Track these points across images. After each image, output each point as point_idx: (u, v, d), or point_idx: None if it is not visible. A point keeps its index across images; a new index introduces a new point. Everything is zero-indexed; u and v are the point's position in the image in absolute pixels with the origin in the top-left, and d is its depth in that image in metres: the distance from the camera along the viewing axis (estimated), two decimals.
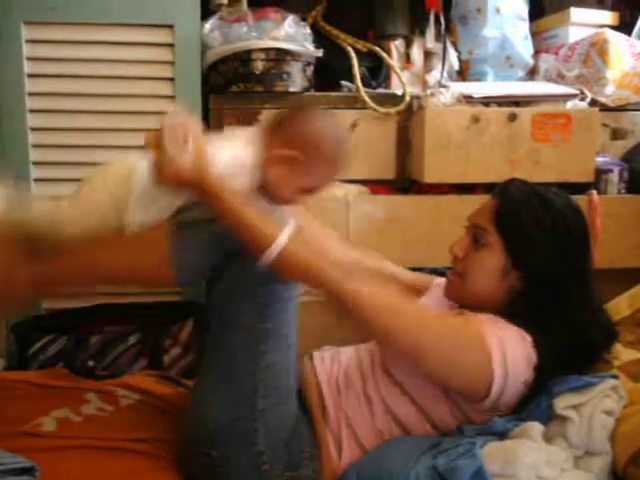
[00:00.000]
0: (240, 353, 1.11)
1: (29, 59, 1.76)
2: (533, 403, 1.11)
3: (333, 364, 1.25)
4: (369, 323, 1.07)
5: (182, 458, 1.18)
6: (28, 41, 1.75)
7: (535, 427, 1.05)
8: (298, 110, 1.21)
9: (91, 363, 1.38)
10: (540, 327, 1.13)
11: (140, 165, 1.15)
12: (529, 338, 1.11)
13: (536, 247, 1.15)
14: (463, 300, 1.24)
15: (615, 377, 1.11)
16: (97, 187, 1.16)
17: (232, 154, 1.12)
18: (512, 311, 1.17)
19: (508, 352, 1.07)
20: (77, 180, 1.78)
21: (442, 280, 1.40)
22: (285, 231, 1.05)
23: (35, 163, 1.80)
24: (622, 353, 1.21)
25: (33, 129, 1.79)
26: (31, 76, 1.77)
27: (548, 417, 1.09)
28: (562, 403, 1.06)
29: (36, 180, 1.81)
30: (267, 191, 1.14)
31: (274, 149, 1.14)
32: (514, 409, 1.12)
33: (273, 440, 1.12)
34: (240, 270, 1.10)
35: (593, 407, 1.05)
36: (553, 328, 1.14)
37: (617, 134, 2.05)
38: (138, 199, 1.12)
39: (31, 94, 1.77)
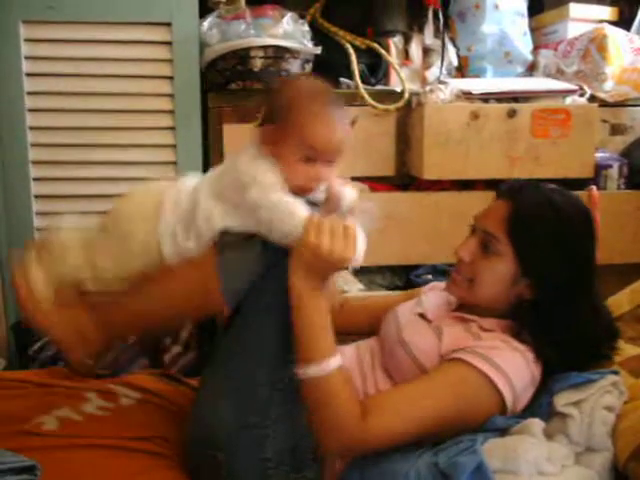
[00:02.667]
0: (267, 361, 1.10)
1: (28, 58, 1.76)
2: (533, 400, 1.11)
3: None
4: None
5: (186, 457, 1.17)
6: (27, 40, 1.75)
7: (536, 423, 1.05)
8: (264, 95, 1.19)
9: (90, 362, 1.38)
10: (545, 331, 1.13)
11: (168, 192, 1.14)
12: (530, 356, 1.10)
13: (549, 258, 1.14)
14: (467, 302, 1.22)
15: (615, 373, 1.11)
16: (127, 221, 1.14)
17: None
18: (516, 316, 1.16)
19: (515, 384, 1.07)
20: (77, 179, 1.81)
21: (436, 284, 1.40)
22: (336, 360, 1.04)
23: (34, 162, 1.80)
24: (623, 349, 1.21)
25: (32, 128, 1.79)
26: (30, 75, 1.77)
27: (548, 414, 1.09)
28: (562, 400, 1.06)
29: (35, 179, 1.81)
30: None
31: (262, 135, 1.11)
32: None
33: (282, 448, 1.11)
34: (275, 282, 1.08)
35: (593, 403, 1.05)
36: (558, 331, 1.13)
37: (616, 130, 2.05)
38: (172, 228, 1.12)
39: (30, 93, 1.77)
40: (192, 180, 1.17)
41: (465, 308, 1.23)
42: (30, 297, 1.12)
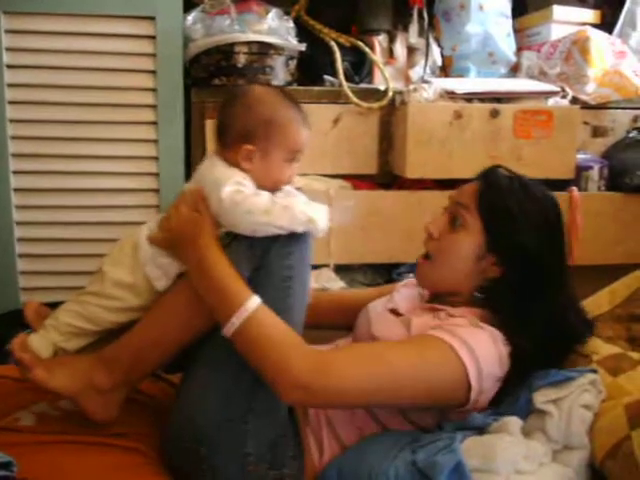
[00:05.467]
0: None
1: (8, 50, 1.74)
2: (512, 397, 1.12)
3: None
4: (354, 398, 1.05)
5: (167, 452, 1.16)
6: (7, 31, 1.73)
7: (514, 422, 1.05)
8: (224, 108, 1.18)
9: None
10: (515, 315, 1.13)
11: (140, 233, 1.17)
12: (500, 336, 1.10)
13: (515, 230, 1.14)
14: (433, 285, 1.23)
15: (594, 372, 1.12)
16: (114, 270, 1.16)
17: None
18: (484, 298, 1.17)
19: (481, 360, 1.05)
20: (57, 173, 1.80)
21: (410, 280, 1.40)
22: (254, 299, 1.04)
23: (14, 155, 1.78)
24: (601, 348, 1.22)
25: (12, 120, 1.77)
26: (10, 67, 1.75)
27: (527, 411, 1.09)
28: (541, 397, 1.07)
29: (15, 172, 1.79)
30: (265, 186, 1.13)
31: (235, 155, 1.14)
32: (492, 401, 1.11)
33: (261, 443, 1.10)
34: (261, 275, 1.09)
35: (572, 401, 1.06)
36: (528, 316, 1.13)
37: (597, 132, 2.07)
38: (152, 261, 1.14)
39: (10, 85, 1.75)
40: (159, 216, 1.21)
41: (437, 300, 1.23)
42: (27, 354, 1.12)
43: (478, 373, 1.05)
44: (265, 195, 1.09)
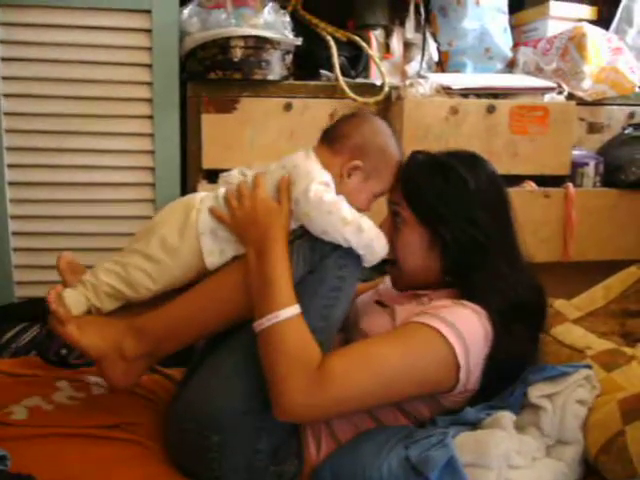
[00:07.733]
0: None
1: (3, 42, 1.73)
2: (507, 391, 1.12)
3: None
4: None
5: (170, 439, 1.16)
6: (2, 24, 1.72)
7: (506, 417, 1.05)
8: (350, 120, 1.22)
9: (64, 352, 1.36)
10: (480, 289, 1.14)
11: (200, 201, 1.17)
12: (483, 312, 1.10)
13: (445, 213, 1.16)
14: (407, 286, 1.23)
15: (588, 367, 1.13)
16: (161, 229, 1.15)
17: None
18: (453, 279, 1.18)
19: (467, 338, 1.06)
20: (52, 166, 1.79)
21: None
22: (294, 307, 1.04)
23: (9, 149, 1.78)
24: (595, 343, 1.22)
25: (7, 114, 1.76)
26: (5, 60, 1.74)
27: (521, 405, 1.10)
28: (536, 392, 1.07)
29: (9, 166, 1.78)
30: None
31: (340, 163, 1.16)
32: (481, 385, 1.11)
33: (272, 441, 1.10)
34: (314, 276, 1.10)
35: (566, 397, 1.06)
36: (485, 290, 1.13)
37: (593, 128, 2.07)
38: (213, 227, 1.14)
39: (5, 78, 1.75)
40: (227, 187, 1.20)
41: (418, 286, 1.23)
42: (63, 309, 1.11)
43: (465, 351, 1.06)
44: (349, 206, 1.11)
